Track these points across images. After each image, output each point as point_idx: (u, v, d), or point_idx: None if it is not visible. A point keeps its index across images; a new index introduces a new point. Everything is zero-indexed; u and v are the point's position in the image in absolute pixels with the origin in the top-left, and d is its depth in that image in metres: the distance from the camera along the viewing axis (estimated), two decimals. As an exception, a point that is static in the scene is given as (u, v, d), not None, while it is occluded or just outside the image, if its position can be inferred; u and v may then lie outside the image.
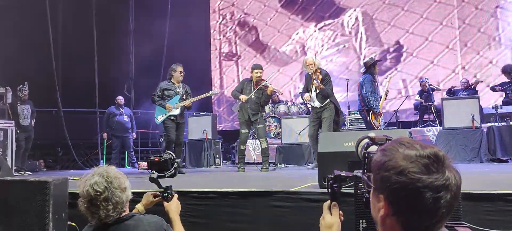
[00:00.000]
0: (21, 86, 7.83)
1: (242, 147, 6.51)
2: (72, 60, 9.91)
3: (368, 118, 6.42)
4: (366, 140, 1.14)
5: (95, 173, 2.01)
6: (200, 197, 3.47)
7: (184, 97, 6.58)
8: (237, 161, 6.82)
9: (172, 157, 2.02)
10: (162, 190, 2.35)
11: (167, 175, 2.28)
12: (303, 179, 4.48)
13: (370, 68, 6.51)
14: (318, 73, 6.13)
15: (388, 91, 6.78)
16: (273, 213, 3.24)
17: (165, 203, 2.33)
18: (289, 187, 3.55)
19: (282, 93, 6.78)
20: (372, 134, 1.15)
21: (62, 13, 10.29)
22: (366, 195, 1.06)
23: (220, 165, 8.93)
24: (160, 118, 6.47)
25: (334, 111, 6.11)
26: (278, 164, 8.04)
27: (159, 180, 2.36)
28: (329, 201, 1.32)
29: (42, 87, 9.10)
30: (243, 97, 6.31)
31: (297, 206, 3.15)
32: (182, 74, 6.60)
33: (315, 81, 6.04)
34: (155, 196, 2.42)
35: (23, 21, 9.49)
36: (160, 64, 11.30)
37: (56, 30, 10.06)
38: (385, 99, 6.83)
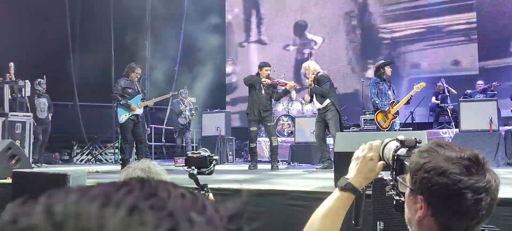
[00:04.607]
0: (39, 80, 7.94)
1: (252, 145, 6.54)
2: (89, 55, 10.01)
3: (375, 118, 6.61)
4: (395, 143, 1.12)
5: (137, 168, 1.89)
6: (215, 194, 3.47)
7: (143, 97, 6.43)
8: (249, 159, 6.84)
9: (210, 154, 2.02)
10: (200, 187, 2.33)
11: (206, 172, 2.23)
12: (318, 178, 4.48)
13: (379, 70, 6.72)
14: (312, 75, 6.24)
15: (411, 97, 6.70)
16: (288, 212, 3.23)
17: None
18: (304, 186, 3.55)
19: (300, 88, 6.79)
20: (401, 136, 1.12)
21: (81, 7, 10.40)
22: (396, 197, 1.04)
23: (233, 162, 8.95)
24: (123, 117, 6.15)
25: (337, 112, 6.15)
26: (291, 162, 8.03)
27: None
28: (378, 141, 1.18)
29: (58, 81, 9.22)
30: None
31: (313, 206, 3.10)
32: (138, 75, 6.33)
33: (307, 80, 6.26)
34: None
35: (41, 16, 9.63)
36: (175, 61, 11.38)
37: (74, 25, 10.18)
38: (407, 103, 6.77)
